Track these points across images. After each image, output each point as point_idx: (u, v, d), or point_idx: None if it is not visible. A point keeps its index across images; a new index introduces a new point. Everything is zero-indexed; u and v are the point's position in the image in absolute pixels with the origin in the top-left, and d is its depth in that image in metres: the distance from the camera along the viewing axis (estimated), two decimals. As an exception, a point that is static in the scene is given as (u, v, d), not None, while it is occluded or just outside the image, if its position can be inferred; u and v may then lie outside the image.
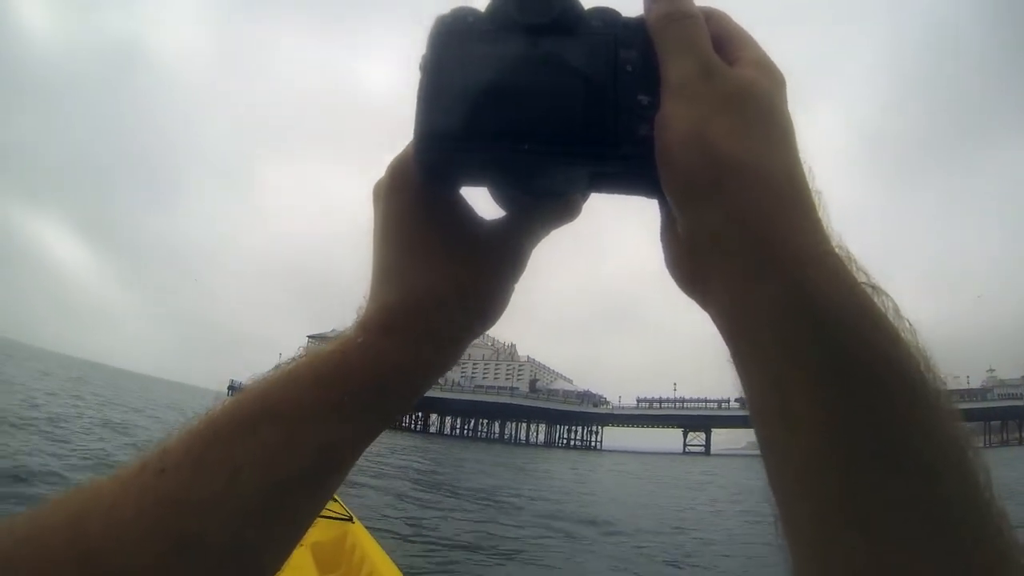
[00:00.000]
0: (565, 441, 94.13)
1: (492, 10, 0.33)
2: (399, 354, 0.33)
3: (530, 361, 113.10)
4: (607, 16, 0.33)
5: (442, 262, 0.35)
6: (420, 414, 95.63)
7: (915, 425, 0.23)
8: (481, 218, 0.38)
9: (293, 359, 0.33)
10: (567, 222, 0.40)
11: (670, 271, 0.34)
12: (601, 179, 0.33)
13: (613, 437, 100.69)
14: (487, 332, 0.40)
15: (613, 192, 0.34)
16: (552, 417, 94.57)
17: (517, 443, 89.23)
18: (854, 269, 0.27)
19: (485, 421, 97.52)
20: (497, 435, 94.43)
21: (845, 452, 0.23)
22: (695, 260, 0.30)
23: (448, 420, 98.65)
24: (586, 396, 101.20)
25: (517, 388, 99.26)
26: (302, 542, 0.28)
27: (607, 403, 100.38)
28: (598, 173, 0.32)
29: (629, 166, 0.31)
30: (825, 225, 0.28)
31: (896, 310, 0.26)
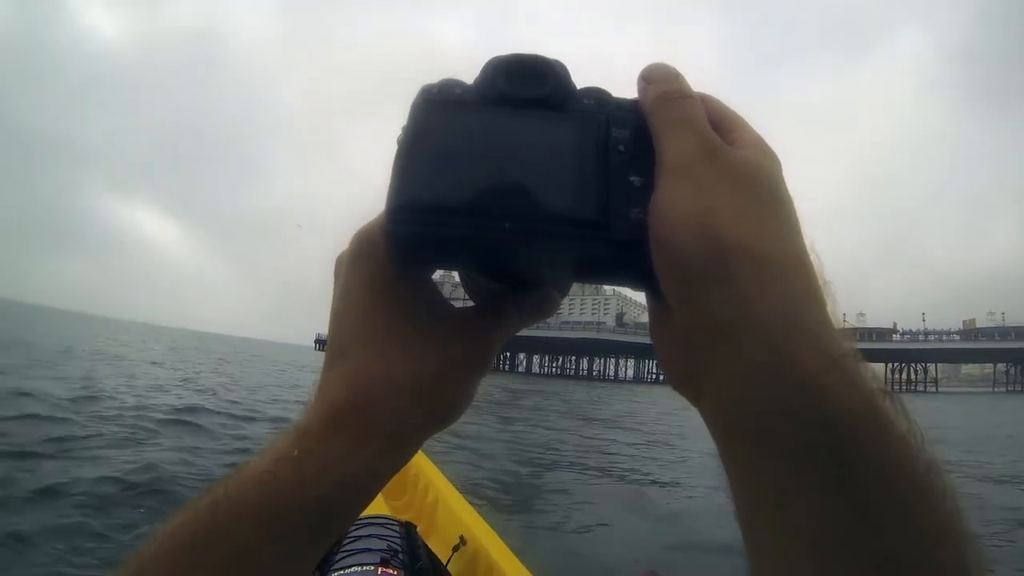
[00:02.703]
0: (654, 376, 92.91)
1: (481, 82, 0.32)
2: (341, 465, 0.30)
3: (616, 294, 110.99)
4: (599, 95, 0.32)
5: (401, 348, 0.33)
6: (507, 353, 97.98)
7: (924, 534, 0.23)
8: (450, 304, 0.35)
9: (225, 478, 0.31)
10: (543, 319, 0.38)
11: (662, 366, 0.32)
12: (586, 265, 0.31)
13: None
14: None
15: (597, 281, 0.33)
16: (640, 351, 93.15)
17: (605, 379, 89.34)
18: (865, 372, 0.25)
19: (573, 358, 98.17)
20: (585, 372, 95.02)
21: (849, 565, 0.23)
22: (694, 353, 0.28)
23: (536, 359, 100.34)
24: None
25: (604, 323, 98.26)
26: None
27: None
28: (584, 258, 0.30)
29: (619, 251, 0.29)
30: (835, 319, 0.26)
31: (907, 417, 0.25)
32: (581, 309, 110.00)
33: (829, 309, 0.26)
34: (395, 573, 1.25)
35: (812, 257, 0.28)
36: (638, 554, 4.06)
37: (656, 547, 4.26)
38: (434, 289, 0.35)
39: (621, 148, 0.30)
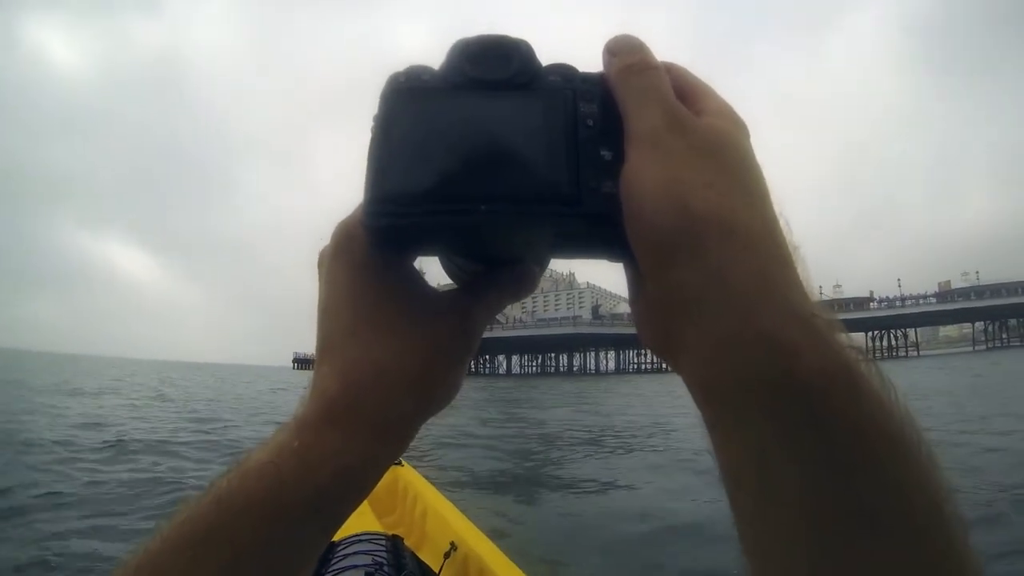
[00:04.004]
0: (635, 365, 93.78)
1: (447, 67, 0.32)
2: (339, 456, 0.31)
3: (590, 287, 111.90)
4: (565, 71, 0.32)
5: (387, 337, 0.33)
6: (486, 356, 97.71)
7: (899, 488, 0.23)
8: (433, 290, 0.36)
9: (227, 472, 0.31)
10: (524, 295, 0.39)
11: (640, 335, 0.32)
12: (562, 241, 0.32)
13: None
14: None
15: (575, 256, 0.34)
16: (619, 342, 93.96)
17: (587, 373, 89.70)
18: (837, 331, 0.25)
19: (552, 355, 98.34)
20: (566, 367, 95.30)
21: (830, 522, 0.23)
22: (669, 323, 0.28)
23: (515, 358, 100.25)
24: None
25: (580, 316, 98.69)
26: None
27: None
28: (559, 235, 0.31)
29: (593, 225, 0.29)
30: (806, 284, 0.27)
31: (880, 373, 0.25)
32: (556, 305, 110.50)
33: (799, 272, 0.27)
34: None
35: (781, 222, 0.28)
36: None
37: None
38: (417, 276, 0.36)
39: (589, 123, 0.30)
